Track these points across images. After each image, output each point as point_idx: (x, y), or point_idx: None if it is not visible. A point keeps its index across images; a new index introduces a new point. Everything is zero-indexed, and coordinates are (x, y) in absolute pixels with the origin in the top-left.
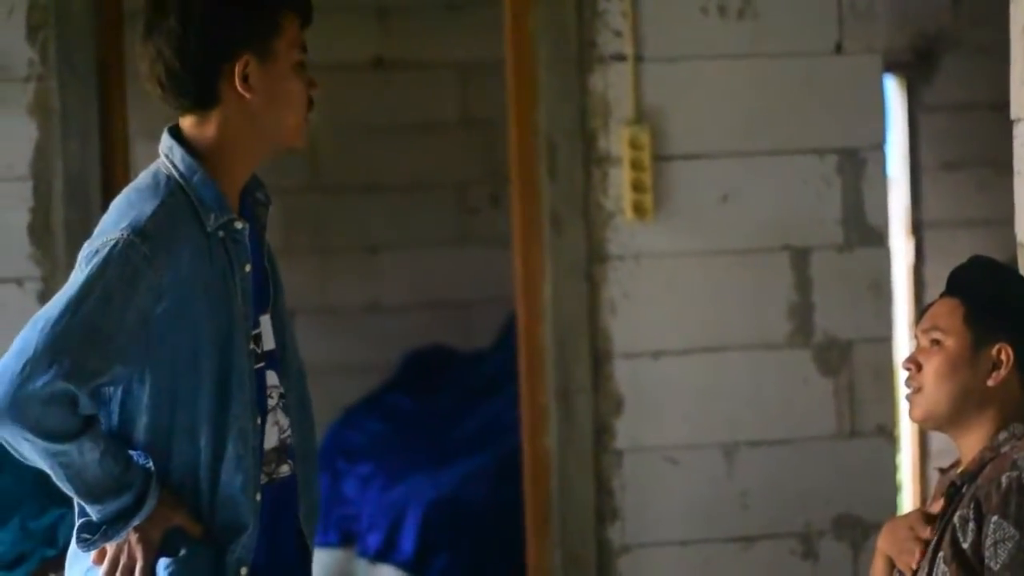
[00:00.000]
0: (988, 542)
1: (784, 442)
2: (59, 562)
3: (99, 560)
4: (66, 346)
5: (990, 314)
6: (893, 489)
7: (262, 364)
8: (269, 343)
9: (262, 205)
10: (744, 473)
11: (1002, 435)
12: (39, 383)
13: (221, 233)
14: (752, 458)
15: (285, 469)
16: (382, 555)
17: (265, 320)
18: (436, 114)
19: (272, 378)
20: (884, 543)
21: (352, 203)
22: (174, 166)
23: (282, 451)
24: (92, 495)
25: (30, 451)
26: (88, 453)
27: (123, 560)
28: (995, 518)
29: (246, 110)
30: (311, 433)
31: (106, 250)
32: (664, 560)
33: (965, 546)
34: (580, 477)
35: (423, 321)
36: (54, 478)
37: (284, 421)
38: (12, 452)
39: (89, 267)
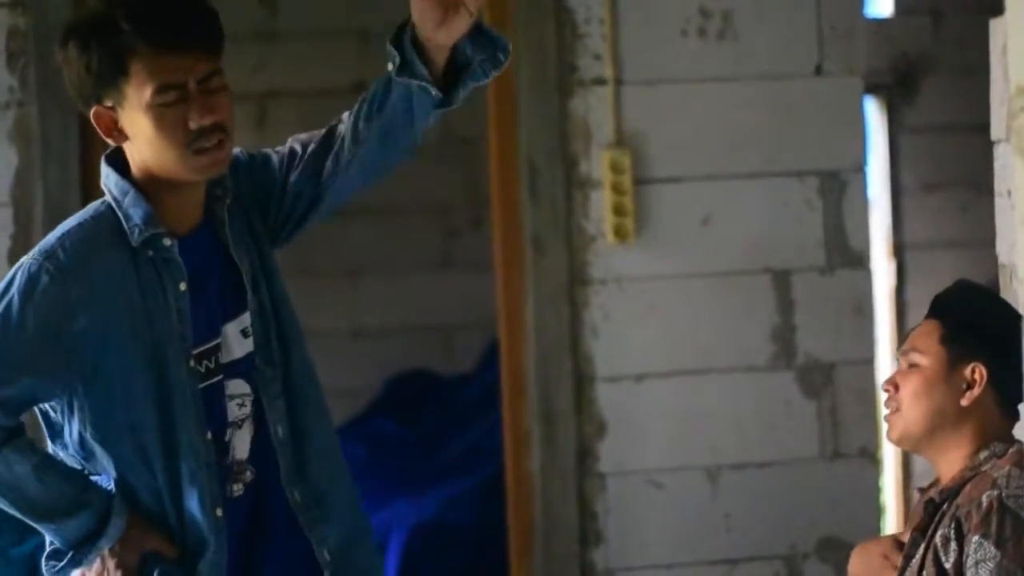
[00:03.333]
0: (969, 562)
1: (767, 464)
2: None
3: None
4: None
5: (965, 334)
6: (877, 511)
7: (218, 377)
8: (236, 352)
9: (219, 200)
10: (728, 496)
11: (982, 454)
12: None
13: (150, 252)
14: (736, 481)
15: (248, 475)
16: None
17: (230, 328)
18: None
19: (238, 386)
20: (856, 568)
21: (333, 227)
22: (109, 191)
23: (244, 462)
24: (41, 515)
25: None
26: (16, 466)
27: None
28: (976, 538)
29: (134, 151)
30: (319, 422)
31: (13, 272)
32: None
33: (948, 566)
34: (563, 501)
35: (405, 345)
36: None
37: (252, 428)
38: None
39: None
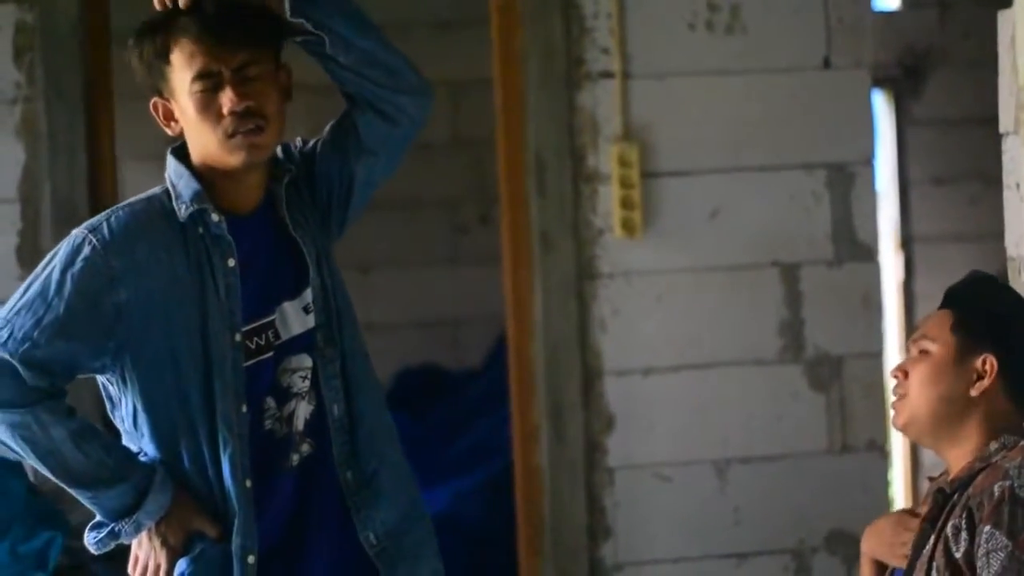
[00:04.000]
0: (980, 552)
1: (776, 458)
2: None
3: (134, 569)
4: (8, 317)
5: (977, 324)
6: (885, 504)
7: (269, 354)
8: (295, 328)
9: (278, 181)
10: (736, 489)
11: (993, 445)
12: None
13: (200, 229)
14: (744, 474)
15: (306, 448)
16: None
17: (290, 306)
18: (426, 133)
19: (299, 360)
20: (870, 546)
21: None
22: (168, 177)
23: (307, 430)
24: (77, 482)
25: None
26: (52, 428)
27: (149, 565)
28: (987, 528)
29: (190, 138)
30: (370, 405)
31: (60, 245)
32: None
33: (958, 556)
34: (572, 495)
35: (414, 340)
36: (35, 464)
37: (314, 401)
38: None
39: (45, 259)
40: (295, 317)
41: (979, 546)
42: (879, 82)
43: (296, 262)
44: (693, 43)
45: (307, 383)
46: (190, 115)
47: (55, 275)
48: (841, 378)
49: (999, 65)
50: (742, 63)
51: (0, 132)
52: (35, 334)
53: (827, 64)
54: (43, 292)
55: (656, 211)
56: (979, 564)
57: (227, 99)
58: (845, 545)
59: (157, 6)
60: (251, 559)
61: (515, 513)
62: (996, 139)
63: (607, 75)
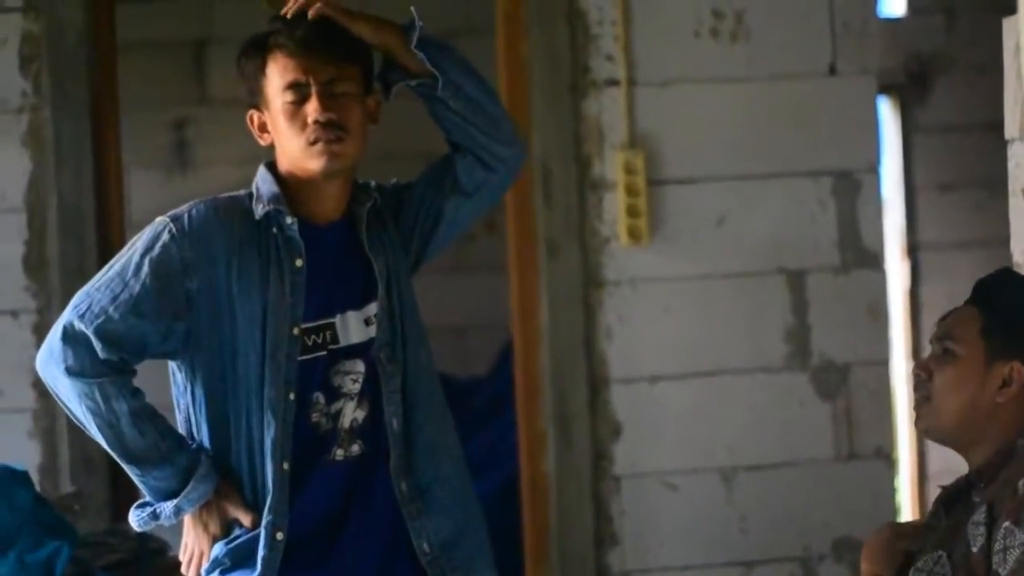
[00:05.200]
0: (997, 547)
1: (782, 466)
2: None
3: (184, 554)
4: (88, 292)
5: (1008, 330)
6: (892, 512)
7: (323, 353)
8: (354, 337)
9: (361, 204)
10: (743, 497)
11: (1021, 442)
12: (63, 323)
13: (274, 229)
14: (751, 482)
15: (355, 449)
16: None
17: (352, 315)
18: (431, 142)
19: (354, 365)
20: (870, 563)
21: None
22: (255, 182)
23: (353, 432)
24: (130, 458)
25: (65, 392)
26: (115, 402)
27: (194, 551)
28: (1007, 524)
29: (279, 149)
30: (430, 421)
31: (143, 231)
32: None
33: (975, 550)
34: (579, 503)
35: None
36: (94, 434)
37: (364, 405)
38: (60, 401)
39: (129, 243)
40: (356, 326)
41: (996, 541)
42: (885, 89)
43: (367, 278)
44: (698, 50)
45: (357, 386)
46: (279, 124)
47: (135, 258)
48: (848, 385)
49: (1004, 71)
50: (747, 70)
51: (6, 141)
52: (110, 309)
53: (832, 71)
54: (122, 272)
55: (662, 219)
56: (995, 560)
57: (312, 109)
58: (852, 552)
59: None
60: (280, 536)
61: (521, 520)
62: (1002, 145)
63: (613, 83)
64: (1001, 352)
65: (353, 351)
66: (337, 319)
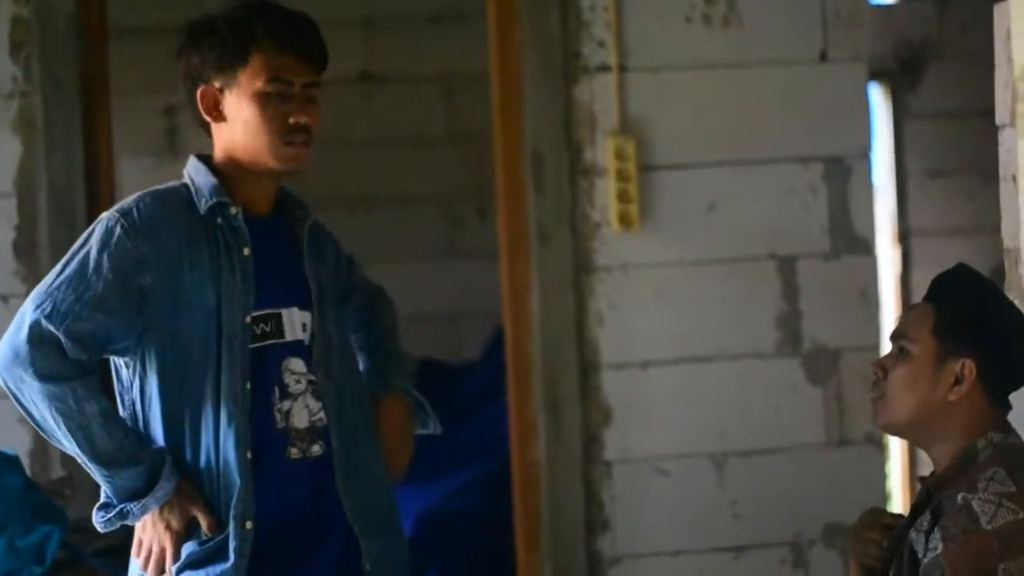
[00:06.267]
0: (928, 552)
1: (773, 451)
2: None
3: (138, 552)
4: (49, 292)
5: (958, 328)
6: (882, 497)
7: (272, 341)
8: (293, 334)
9: (300, 221)
10: (734, 483)
11: (980, 443)
12: (27, 325)
13: (219, 220)
14: (741, 467)
15: (316, 449)
16: None
17: (293, 313)
18: (422, 127)
19: (297, 365)
20: (853, 548)
21: (338, 217)
22: (187, 173)
23: (313, 432)
24: (99, 460)
25: (30, 395)
26: (86, 404)
27: (154, 548)
28: (937, 532)
29: (225, 133)
30: (364, 444)
31: (92, 226)
32: (655, 571)
33: (921, 557)
34: (570, 488)
35: (411, 334)
36: (62, 438)
37: (315, 405)
38: (19, 404)
39: (78, 241)
40: (294, 325)
41: (929, 549)
42: (876, 75)
43: (303, 284)
44: (690, 36)
45: (301, 387)
46: (247, 113)
47: (92, 254)
48: (838, 371)
49: (995, 58)
50: (739, 56)
51: None
52: (77, 308)
53: (824, 57)
54: (82, 270)
55: (653, 205)
56: (922, 568)
57: (296, 110)
58: (842, 538)
59: None
60: (248, 524)
61: (513, 506)
62: (993, 132)
63: (604, 69)
64: (952, 350)
65: (296, 349)
66: (283, 312)
